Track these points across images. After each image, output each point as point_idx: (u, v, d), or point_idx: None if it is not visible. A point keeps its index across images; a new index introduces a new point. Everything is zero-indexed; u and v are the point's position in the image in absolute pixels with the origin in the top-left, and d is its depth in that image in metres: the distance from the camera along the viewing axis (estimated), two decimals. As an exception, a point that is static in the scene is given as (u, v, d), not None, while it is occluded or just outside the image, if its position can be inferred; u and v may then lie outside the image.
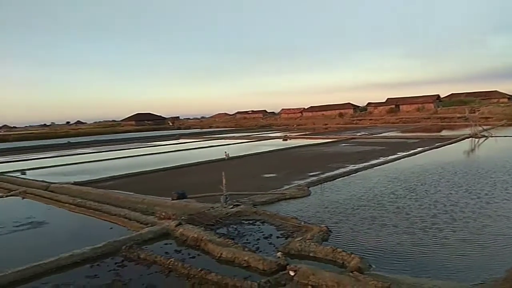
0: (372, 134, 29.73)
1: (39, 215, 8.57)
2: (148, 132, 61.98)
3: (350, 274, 4.21)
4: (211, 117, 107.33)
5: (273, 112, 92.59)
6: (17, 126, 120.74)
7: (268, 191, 9.23)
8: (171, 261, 5.02)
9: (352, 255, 4.75)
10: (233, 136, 36.03)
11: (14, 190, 11.59)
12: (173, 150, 24.88)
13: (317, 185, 9.95)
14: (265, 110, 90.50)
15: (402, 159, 14.30)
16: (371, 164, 13.04)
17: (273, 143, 26.92)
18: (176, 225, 6.51)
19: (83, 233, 7.24)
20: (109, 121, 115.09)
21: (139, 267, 5.08)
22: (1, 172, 15.19)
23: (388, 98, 59.09)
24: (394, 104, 56.09)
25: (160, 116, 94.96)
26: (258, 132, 45.21)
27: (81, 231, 7.45)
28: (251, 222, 6.88)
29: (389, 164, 13.30)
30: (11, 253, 6.22)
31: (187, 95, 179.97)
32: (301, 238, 5.66)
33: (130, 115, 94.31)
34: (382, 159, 14.19)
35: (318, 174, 11.54)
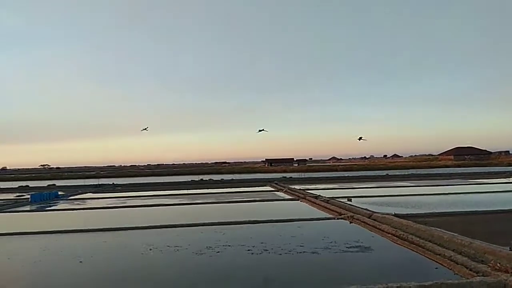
0: None
1: (365, 240, 9.36)
2: (469, 167, 56.16)
3: None
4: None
5: None
6: (342, 158, 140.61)
7: None
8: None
9: None
10: None
11: (343, 214, 13.29)
12: (504, 190, 21.12)
13: None
14: None
15: None
16: None
17: None
18: (518, 283, 5.36)
19: (405, 266, 7.29)
20: (425, 155, 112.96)
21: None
22: (332, 197, 17.81)
23: None
24: None
25: (484, 150, 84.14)
26: None
27: (404, 263, 7.51)
28: None
29: None
30: (349, 269, 7.18)
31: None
32: None
33: (448, 149, 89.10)
34: None
35: None
